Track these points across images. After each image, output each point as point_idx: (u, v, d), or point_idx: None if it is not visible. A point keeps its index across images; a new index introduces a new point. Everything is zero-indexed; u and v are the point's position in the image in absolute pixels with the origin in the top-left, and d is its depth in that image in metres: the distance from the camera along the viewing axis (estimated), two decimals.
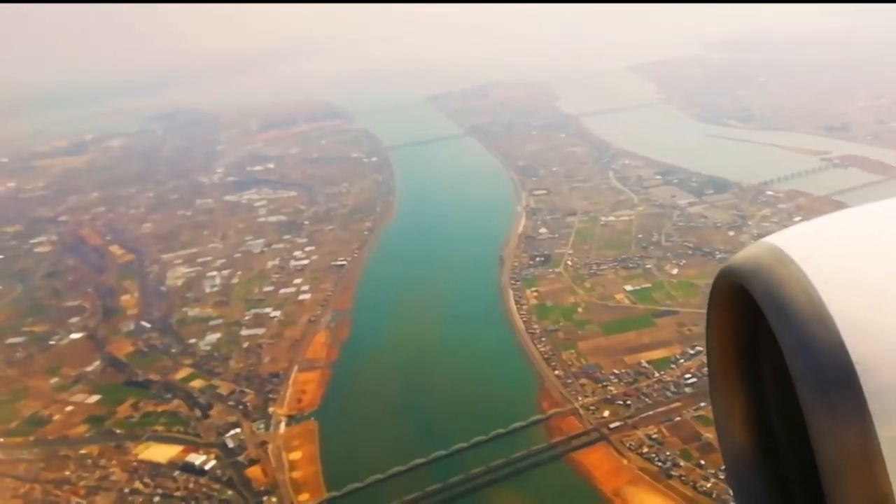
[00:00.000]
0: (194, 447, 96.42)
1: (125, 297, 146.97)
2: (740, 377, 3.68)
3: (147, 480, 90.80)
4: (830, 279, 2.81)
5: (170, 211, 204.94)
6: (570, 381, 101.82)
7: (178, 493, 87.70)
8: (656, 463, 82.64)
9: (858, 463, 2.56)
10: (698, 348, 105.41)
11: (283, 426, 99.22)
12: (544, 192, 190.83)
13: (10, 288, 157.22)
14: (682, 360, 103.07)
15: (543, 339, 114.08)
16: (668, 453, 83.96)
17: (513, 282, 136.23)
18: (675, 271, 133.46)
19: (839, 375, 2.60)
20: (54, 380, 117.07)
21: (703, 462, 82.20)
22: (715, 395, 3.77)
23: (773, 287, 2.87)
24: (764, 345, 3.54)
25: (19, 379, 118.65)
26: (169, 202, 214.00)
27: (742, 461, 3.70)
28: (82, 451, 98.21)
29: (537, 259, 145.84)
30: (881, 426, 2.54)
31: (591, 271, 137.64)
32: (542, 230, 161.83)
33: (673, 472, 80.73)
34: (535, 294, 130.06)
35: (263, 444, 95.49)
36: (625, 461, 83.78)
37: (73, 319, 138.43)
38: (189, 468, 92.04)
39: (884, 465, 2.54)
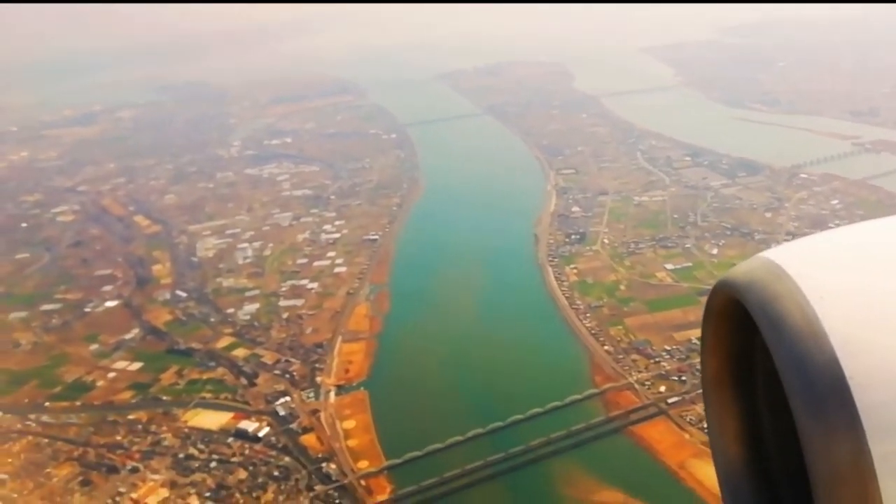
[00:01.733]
0: (245, 414, 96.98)
1: (157, 267, 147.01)
2: (734, 390, 3.74)
3: (201, 446, 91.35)
4: (825, 295, 2.85)
5: (191, 183, 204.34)
6: (620, 356, 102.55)
7: (234, 459, 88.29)
8: None
9: (851, 478, 2.57)
10: None
11: (332, 395, 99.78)
12: (572, 171, 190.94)
13: (38, 256, 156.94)
14: None
15: (588, 314, 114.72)
16: None
17: (550, 259, 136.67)
18: (714, 251, 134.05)
19: (833, 391, 2.62)
20: (94, 346, 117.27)
21: None
22: (709, 408, 3.85)
23: (768, 301, 2.91)
24: (758, 359, 3.61)
25: (58, 345, 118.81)
26: (188, 174, 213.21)
27: (735, 473, 3.71)
28: (131, 417, 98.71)
29: (573, 237, 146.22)
30: (874, 442, 2.56)
31: (630, 250, 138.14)
32: (575, 209, 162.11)
33: None
34: (575, 271, 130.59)
35: (315, 412, 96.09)
36: (686, 435, 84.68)
37: (107, 288, 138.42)
38: (242, 435, 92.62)
39: (876, 480, 2.55)
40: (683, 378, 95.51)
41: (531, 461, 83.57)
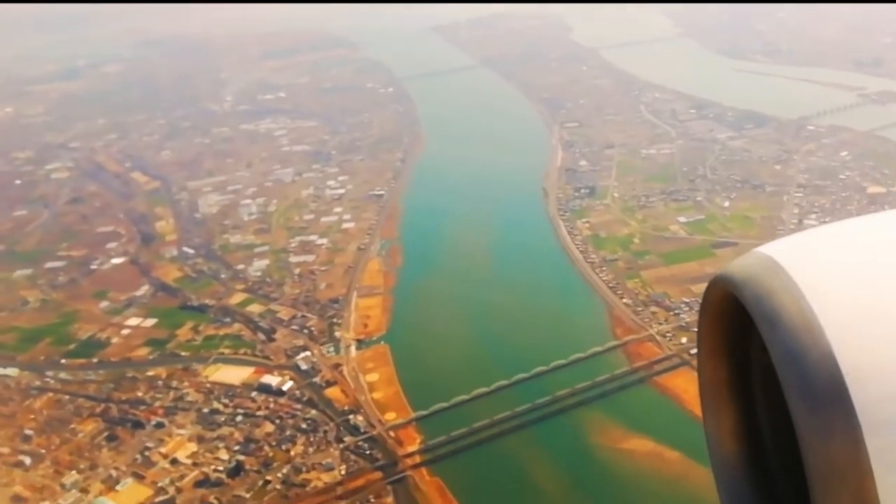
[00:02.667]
0: (266, 369, 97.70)
1: (160, 224, 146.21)
2: (731, 386, 3.77)
3: (225, 401, 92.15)
4: (821, 290, 2.89)
5: (186, 139, 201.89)
6: (639, 308, 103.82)
7: (259, 413, 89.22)
8: None
9: (847, 473, 2.61)
10: None
11: (353, 350, 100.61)
12: (576, 124, 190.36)
13: (36, 213, 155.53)
14: None
15: (604, 268, 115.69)
16: None
17: (561, 213, 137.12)
18: (726, 204, 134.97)
19: (829, 386, 2.65)
20: (104, 303, 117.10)
21: None
22: (705, 403, 3.88)
23: (764, 297, 2.95)
24: (755, 354, 3.64)
25: (67, 302, 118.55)
26: (183, 130, 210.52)
27: (731, 469, 3.75)
28: (150, 373, 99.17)
29: (582, 191, 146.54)
30: (870, 437, 2.59)
31: (641, 203, 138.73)
32: (582, 162, 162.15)
33: None
34: (587, 225, 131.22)
35: (337, 366, 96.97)
36: None
37: (111, 245, 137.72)
38: (266, 389, 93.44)
39: (872, 475, 2.59)
40: None
41: (558, 411, 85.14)
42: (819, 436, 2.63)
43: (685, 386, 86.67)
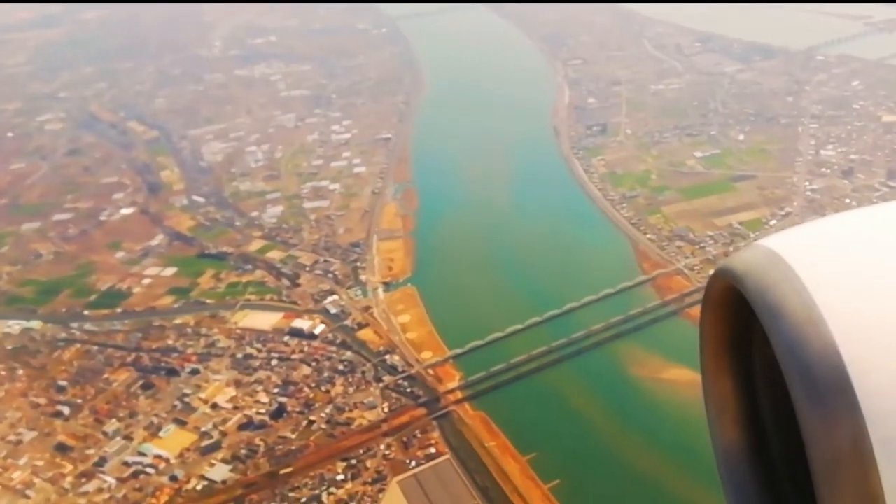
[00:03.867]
0: (295, 314, 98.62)
1: (165, 173, 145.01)
2: (733, 377, 3.81)
3: (257, 346, 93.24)
4: (823, 281, 2.91)
5: (178, 86, 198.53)
6: (664, 243, 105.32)
7: (294, 357, 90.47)
8: None
9: (850, 463, 2.64)
10: (787, 210, 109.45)
11: (381, 292, 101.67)
12: (580, 61, 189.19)
13: (35, 165, 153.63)
14: (773, 221, 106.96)
15: (624, 204, 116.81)
16: None
17: (575, 151, 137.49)
18: (741, 137, 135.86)
19: (831, 376, 2.68)
20: (120, 254, 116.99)
21: None
22: (707, 395, 3.90)
23: (766, 288, 2.97)
24: (757, 346, 3.67)
25: (81, 254, 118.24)
26: (174, 77, 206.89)
27: (734, 460, 3.81)
28: (177, 321, 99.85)
29: (594, 128, 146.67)
30: (873, 427, 2.62)
31: (654, 139, 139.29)
32: (591, 100, 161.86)
33: None
34: (603, 162, 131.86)
35: (367, 309, 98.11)
36: None
37: (118, 195, 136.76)
38: (298, 333, 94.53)
39: (875, 465, 2.61)
40: None
41: (594, 345, 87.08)
42: (822, 426, 2.67)
43: None
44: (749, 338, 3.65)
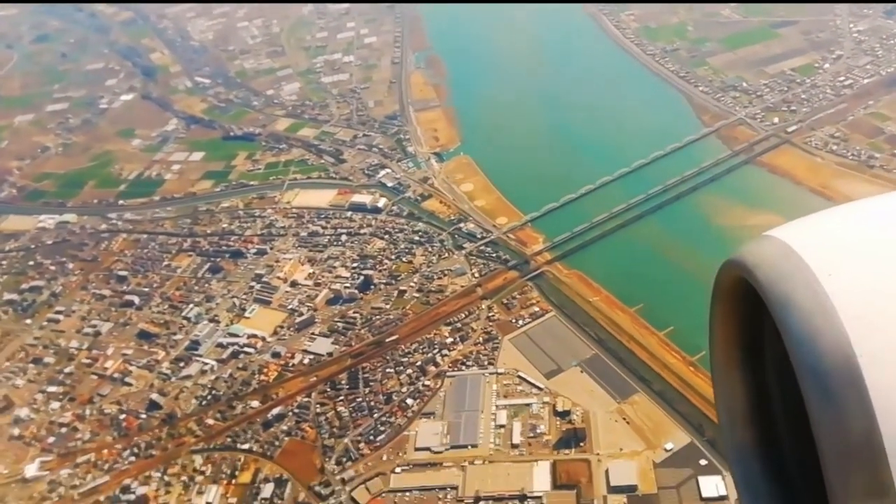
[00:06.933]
0: (350, 190, 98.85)
1: (156, 55, 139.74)
2: (745, 370, 3.90)
3: (320, 223, 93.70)
4: (834, 272, 2.94)
5: None
6: (719, 95, 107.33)
7: (363, 231, 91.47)
8: (850, 158, 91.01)
9: (861, 456, 2.70)
10: (838, 52, 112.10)
11: (434, 163, 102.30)
12: None
13: (5, 55, 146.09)
14: (826, 65, 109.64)
15: (667, 58, 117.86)
16: (857, 148, 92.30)
17: (599, 6, 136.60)
18: None
19: (842, 369, 2.73)
20: (136, 142, 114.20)
21: None
22: (718, 386, 4.00)
23: (777, 280, 3.03)
24: (768, 338, 3.74)
25: (93, 144, 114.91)
26: None
27: (746, 452, 3.90)
28: (225, 205, 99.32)
29: None
30: (883, 419, 2.67)
31: None
32: None
33: (872, 163, 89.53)
34: (632, 17, 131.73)
35: (426, 180, 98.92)
36: (818, 159, 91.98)
37: (110, 82, 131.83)
38: (360, 208, 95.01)
39: (886, 458, 2.67)
40: (793, 108, 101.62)
41: (674, 198, 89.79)
42: (833, 419, 2.72)
43: (793, 162, 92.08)
44: (760, 332, 3.74)
